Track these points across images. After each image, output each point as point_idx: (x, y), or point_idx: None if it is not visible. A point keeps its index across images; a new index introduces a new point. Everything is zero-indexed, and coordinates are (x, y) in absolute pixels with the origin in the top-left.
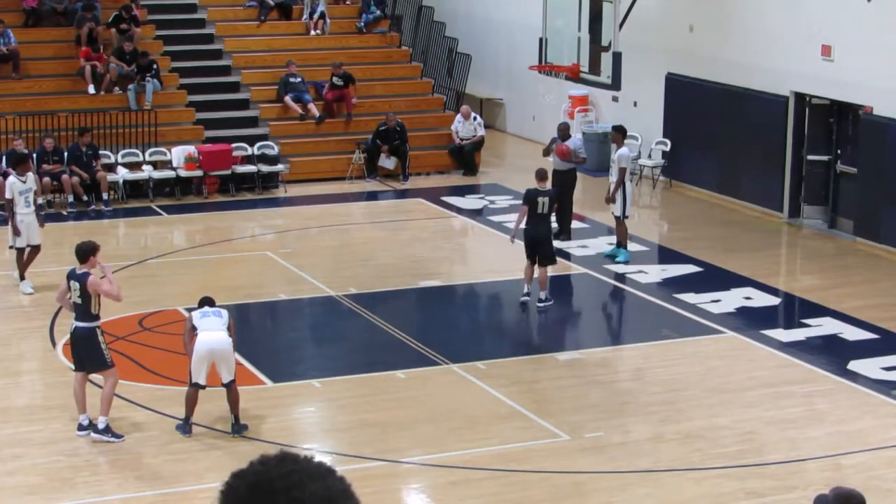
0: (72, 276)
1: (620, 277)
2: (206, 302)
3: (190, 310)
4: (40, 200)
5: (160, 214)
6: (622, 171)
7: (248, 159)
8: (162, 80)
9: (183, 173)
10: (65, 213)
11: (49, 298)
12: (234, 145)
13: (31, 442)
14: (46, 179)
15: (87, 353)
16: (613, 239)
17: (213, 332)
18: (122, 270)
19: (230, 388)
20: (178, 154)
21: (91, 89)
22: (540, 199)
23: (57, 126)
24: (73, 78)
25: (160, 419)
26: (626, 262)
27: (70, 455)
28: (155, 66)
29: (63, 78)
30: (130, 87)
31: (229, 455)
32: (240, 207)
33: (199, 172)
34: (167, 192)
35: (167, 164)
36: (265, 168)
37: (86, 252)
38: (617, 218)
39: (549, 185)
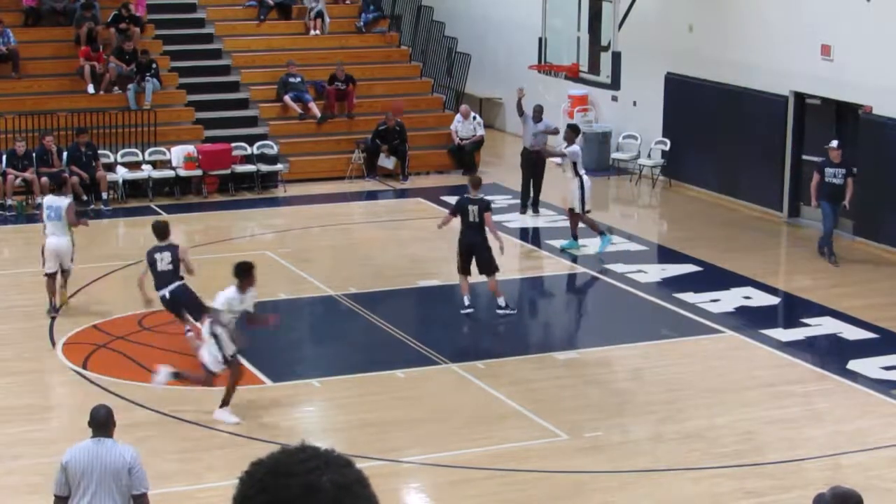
0: (158, 250)
1: (619, 277)
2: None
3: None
4: (39, 200)
5: (159, 214)
6: (574, 167)
7: (248, 159)
8: (161, 80)
9: (182, 173)
10: None
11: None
12: (233, 145)
13: (32, 442)
14: (45, 179)
15: (190, 303)
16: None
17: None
18: (122, 270)
19: None
20: (177, 153)
21: (90, 89)
22: (470, 208)
23: (56, 125)
24: (72, 77)
25: (160, 418)
26: (601, 251)
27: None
28: (154, 66)
29: (62, 77)
30: (130, 86)
31: (230, 455)
32: (239, 207)
33: (198, 172)
34: (167, 192)
35: (167, 164)
36: (264, 167)
37: (165, 229)
38: (570, 210)
39: (480, 193)
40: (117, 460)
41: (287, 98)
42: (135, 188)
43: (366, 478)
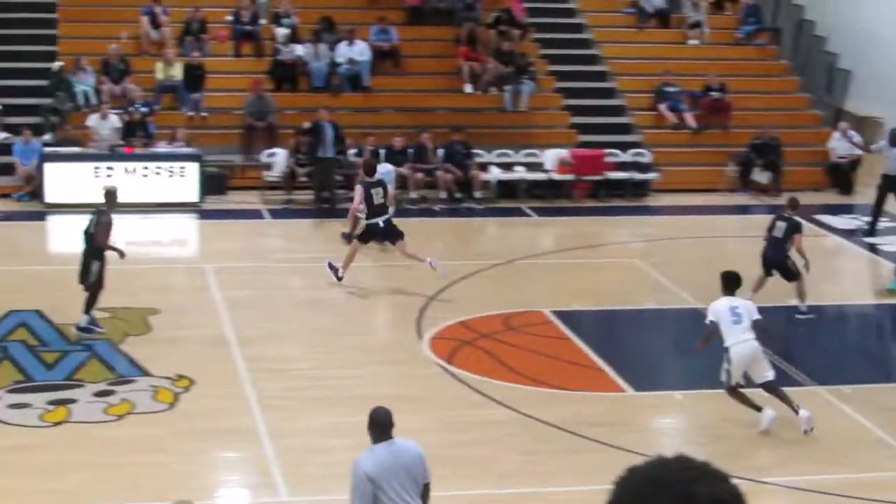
0: (374, 185)
1: None
2: None
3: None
4: (413, 195)
5: (530, 216)
6: None
7: (621, 166)
8: (538, 83)
9: (555, 176)
10: (436, 209)
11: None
12: (606, 151)
13: (395, 431)
14: (419, 175)
15: (395, 232)
16: None
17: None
18: (490, 269)
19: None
20: (551, 157)
21: (468, 88)
22: (778, 224)
23: (433, 123)
24: (451, 76)
25: (519, 418)
26: None
27: (431, 447)
28: (532, 69)
29: (441, 76)
30: (507, 87)
31: (584, 460)
32: (609, 213)
33: (570, 176)
34: (538, 194)
35: (540, 166)
36: (637, 175)
37: (373, 165)
38: None
39: (796, 215)
40: (414, 456)
41: (662, 107)
42: (507, 189)
43: (742, 494)
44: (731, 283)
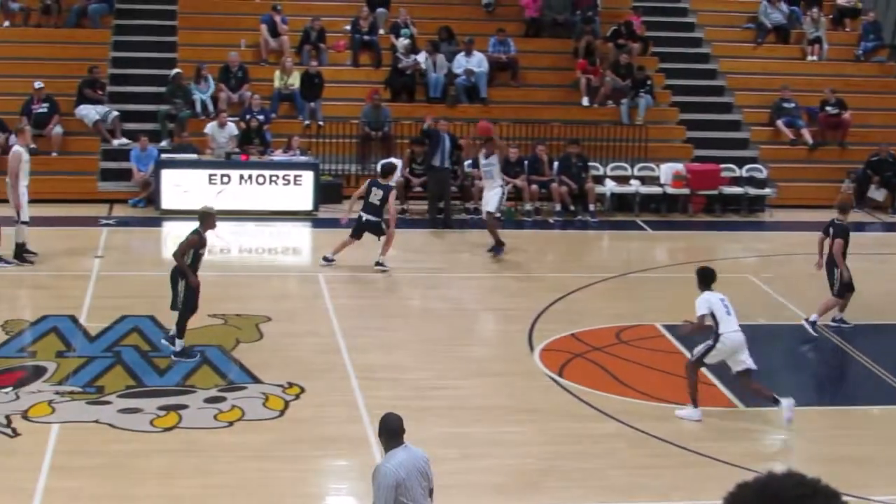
0: (375, 184)
1: None
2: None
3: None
4: (528, 207)
5: (644, 230)
6: None
7: (736, 181)
8: (655, 97)
9: (670, 190)
10: (551, 220)
11: (521, 310)
12: (722, 166)
13: (500, 443)
14: (534, 187)
15: (377, 230)
16: None
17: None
18: (603, 282)
19: None
20: (666, 170)
21: (585, 101)
22: None
23: (549, 135)
24: (568, 89)
25: (629, 432)
26: None
27: (541, 459)
28: (649, 82)
29: (558, 88)
30: (623, 101)
31: (695, 475)
32: (724, 228)
33: (686, 190)
34: (653, 208)
35: (655, 180)
36: (752, 191)
37: (391, 169)
38: None
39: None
40: (423, 461)
41: (780, 123)
42: (622, 202)
43: None
44: (710, 278)
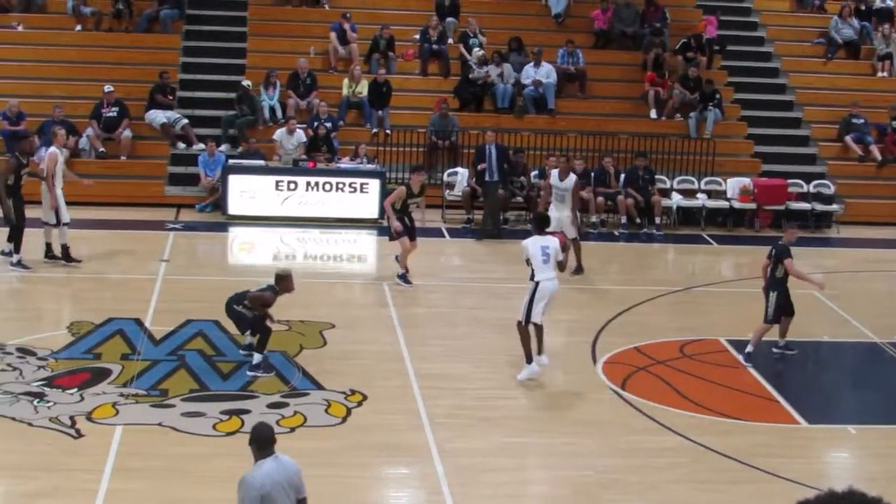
0: (411, 193)
1: None
2: None
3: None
4: (594, 219)
5: (710, 244)
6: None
7: (803, 196)
8: (723, 110)
9: (736, 205)
10: (616, 233)
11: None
12: (789, 181)
13: (561, 454)
14: (600, 199)
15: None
16: None
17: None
18: (667, 296)
19: None
20: (733, 185)
21: (653, 114)
22: None
23: (616, 147)
24: (636, 101)
25: (690, 446)
26: None
27: (601, 472)
28: (718, 96)
29: (626, 101)
30: (692, 114)
31: (756, 491)
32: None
33: (752, 205)
34: (719, 222)
35: (721, 194)
36: (819, 207)
37: (421, 167)
38: None
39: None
40: (295, 471)
41: (848, 139)
42: (687, 216)
43: None
44: (542, 223)
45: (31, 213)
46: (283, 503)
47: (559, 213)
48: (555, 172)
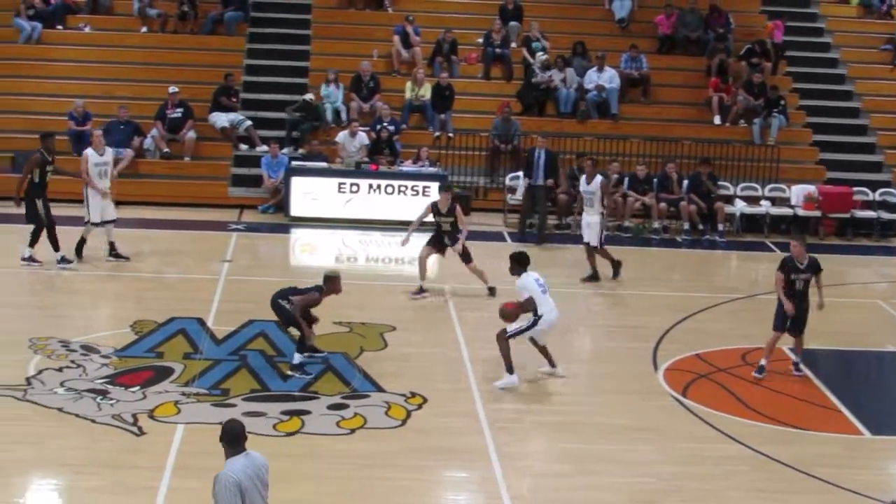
0: (438, 212)
1: None
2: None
3: None
4: (656, 225)
5: (773, 251)
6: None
7: (869, 205)
8: (788, 117)
9: (801, 212)
10: (679, 239)
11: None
12: (855, 189)
13: (619, 461)
14: (663, 205)
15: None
16: None
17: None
18: (730, 303)
19: None
20: (797, 192)
21: (717, 120)
22: None
23: (680, 153)
24: (700, 107)
25: (751, 455)
26: None
27: (661, 479)
28: (783, 102)
29: (690, 106)
30: (756, 120)
31: (813, 501)
32: (854, 252)
33: (817, 213)
34: (783, 230)
35: (785, 201)
36: (885, 215)
37: (448, 187)
38: None
39: None
40: (263, 467)
41: None
42: (751, 223)
43: None
44: (524, 261)
45: (64, 211)
46: (256, 498)
47: (589, 219)
48: (583, 177)
